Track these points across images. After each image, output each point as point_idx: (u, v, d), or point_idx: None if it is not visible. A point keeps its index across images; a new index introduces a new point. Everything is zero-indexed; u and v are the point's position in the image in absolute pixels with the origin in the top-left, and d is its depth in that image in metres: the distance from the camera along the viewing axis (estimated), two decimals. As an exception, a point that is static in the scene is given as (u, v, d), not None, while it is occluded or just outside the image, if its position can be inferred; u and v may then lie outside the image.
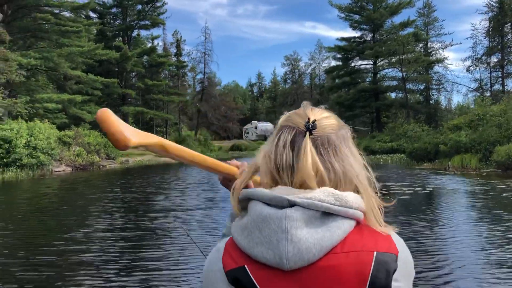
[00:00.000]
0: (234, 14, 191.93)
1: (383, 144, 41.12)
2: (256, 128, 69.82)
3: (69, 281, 5.22)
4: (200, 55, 65.42)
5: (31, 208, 11.69)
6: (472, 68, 49.95)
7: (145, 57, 54.68)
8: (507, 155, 19.76)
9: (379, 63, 55.59)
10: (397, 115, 49.73)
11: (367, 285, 0.78)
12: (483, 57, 49.42)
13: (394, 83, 55.68)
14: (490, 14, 47.20)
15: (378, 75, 56.46)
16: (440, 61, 52.74)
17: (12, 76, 26.00)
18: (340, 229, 0.81)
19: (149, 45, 58.18)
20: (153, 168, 30.02)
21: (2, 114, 24.23)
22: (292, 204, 0.82)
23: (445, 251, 6.27)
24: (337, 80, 61.56)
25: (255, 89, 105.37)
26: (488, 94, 44.76)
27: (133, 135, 0.97)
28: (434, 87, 55.04)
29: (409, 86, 53.92)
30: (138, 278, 5.25)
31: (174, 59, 62.15)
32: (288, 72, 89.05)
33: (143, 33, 59.40)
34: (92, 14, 50.40)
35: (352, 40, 58.14)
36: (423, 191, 13.67)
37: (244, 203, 0.91)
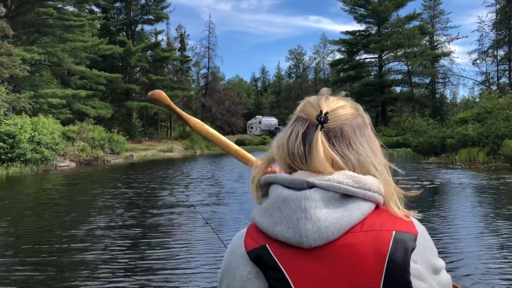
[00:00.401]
0: (238, 8, 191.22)
1: (389, 138, 40.79)
2: (260, 123, 69.43)
3: (69, 280, 5.07)
4: (204, 49, 65.28)
5: (31, 204, 11.57)
6: (478, 61, 49.49)
7: (149, 52, 54.49)
8: (516, 149, 19.50)
9: (384, 57, 55.21)
10: (402, 109, 49.41)
11: (385, 263, 0.78)
12: (490, 50, 48.93)
13: (400, 76, 55.34)
14: (497, 6, 46.63)
15: (383, 69, 56.09)
16: (446, 54, 52.31)
17: (16, 70, 25.89)
18: (359, 210, 0.82)
19: (153, 39, 58.01)
20: (158, 163, 29.94)
21: (6, 109, 24.12)
22: (311, 186, 0.84)
23: (460, 249, 6.09)
24: (341, 74, 61.27)
25: (259, 84, 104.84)
26: (494, 87, 44.29)
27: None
28: (440, 80, 54.64)
29: (415, 79, 53.56)
30: (141, 278, 5.08)
31: (178, 53, 61.96)
32: (292, 67, 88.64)
33: (147, 27, 59.32)
34: (95, 9, 50.22)
35: (357, 34, 57.75)
36: (431, 186, 13.45)
37: (264, 189, 0.93)
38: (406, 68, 51.55)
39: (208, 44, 64.61)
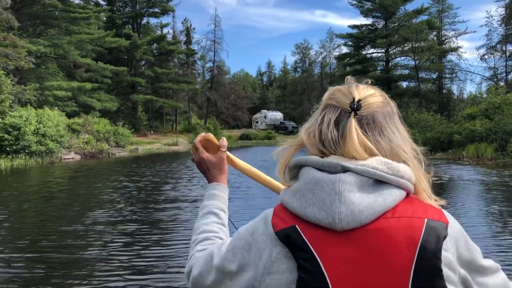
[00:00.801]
0: (244, 2, 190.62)
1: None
2: (265, 117, 69.18)
3: (69, 280, 4.97)
4: (210, 43, 65.01)
5: (32, 197, 11.51)
6: (486, 56, 48.93)
7: (155, 45, 54.33)
8: (525, 145, 19.23)
9: (391, 51, 54.74)
10: (409, 104, 48.97)
11: (417, 249, 0.79)
12: (498, 45, 48.35)
13: (407, 71, 54.84)
14: (507, 1, 45.98)
15: (390, 64, 55.64)
16: (454, 49, 51.72)
17: (21, 62, 25.84)
18: (392, 196, 0.83)
19: (159, 33, 57.82)
20: (162, 156, 29.88)
21: (11, 101, 24.08)
22: (345, 170, 0.84)
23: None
24: (348, 68, 60.83)
25: (265, 78, 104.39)
26: (502, 83, 43.78)
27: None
28: (447, 76, 54.10)
29: (422, 75, 53.01)
30: (142, 278, 4.97)
31: (183, 47, 61.75)
32: (298, 61, 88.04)
33: (153, 21, 59.17)
34: (101, 1, 50.15)
35: (364, 28, 57.26)
36: (439, 182, 13.27)
37: (293, 172, 0.92)
38: (413, 63, 50.99)
39: (214, 37, 64.44)
